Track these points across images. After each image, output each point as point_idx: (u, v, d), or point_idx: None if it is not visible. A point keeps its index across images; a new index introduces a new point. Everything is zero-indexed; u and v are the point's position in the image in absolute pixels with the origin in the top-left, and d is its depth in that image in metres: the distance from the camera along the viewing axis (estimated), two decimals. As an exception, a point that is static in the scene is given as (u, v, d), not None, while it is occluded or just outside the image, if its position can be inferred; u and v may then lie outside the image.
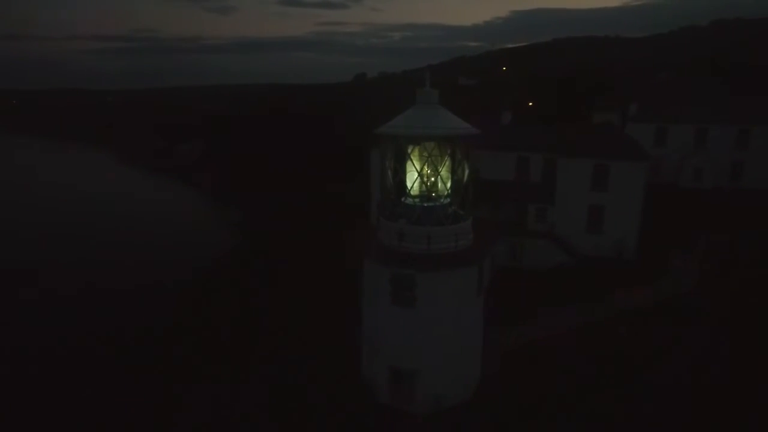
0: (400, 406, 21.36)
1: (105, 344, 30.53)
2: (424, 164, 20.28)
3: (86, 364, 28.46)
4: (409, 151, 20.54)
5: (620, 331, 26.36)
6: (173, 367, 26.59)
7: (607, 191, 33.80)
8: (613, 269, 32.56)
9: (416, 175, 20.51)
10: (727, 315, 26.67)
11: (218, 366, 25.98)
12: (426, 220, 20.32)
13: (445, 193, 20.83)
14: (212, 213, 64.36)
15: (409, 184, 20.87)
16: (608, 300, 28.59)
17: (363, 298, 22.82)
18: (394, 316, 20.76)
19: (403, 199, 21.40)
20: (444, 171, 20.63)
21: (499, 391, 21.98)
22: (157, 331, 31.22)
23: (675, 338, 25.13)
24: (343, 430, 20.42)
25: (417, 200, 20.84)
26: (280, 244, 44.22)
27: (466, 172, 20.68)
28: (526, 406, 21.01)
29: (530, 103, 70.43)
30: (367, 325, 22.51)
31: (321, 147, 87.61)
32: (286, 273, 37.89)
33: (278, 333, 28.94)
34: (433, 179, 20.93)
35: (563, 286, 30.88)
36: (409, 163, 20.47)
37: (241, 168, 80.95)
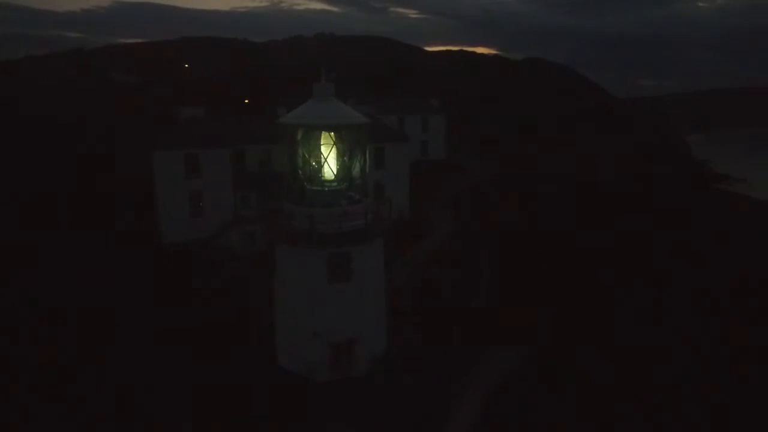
0: (343, 376, 23.01)
1: None
2: (344, 151, 22.21)
3: None
4: (322, 140, 22.05)
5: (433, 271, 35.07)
6: None
7: (385, 168, 41.85)
8: (397, 229, 41.20)
9: (333, 161, 22.21)
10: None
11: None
12: (345, 201, 22.51)
13: (355, 176, 23.27)
14: None
15: (325, 170, 22.31)
16: (412, 251, 37.06)
17: (284, 289, 22.83)
18: (332, 294, 22.17)
19: (309, 185, 22.61)
20: (351, 157, 23.04)
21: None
22: None
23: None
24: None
25: (334, 184, 22.54)
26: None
27: (366, 157, 23.74)
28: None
29: (246, 101, 72.42)
30: (297, 312, 22.69)
31: None
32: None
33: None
34: (339, 164, 22.97)
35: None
36: (324, 149, 21.95)
37: None
